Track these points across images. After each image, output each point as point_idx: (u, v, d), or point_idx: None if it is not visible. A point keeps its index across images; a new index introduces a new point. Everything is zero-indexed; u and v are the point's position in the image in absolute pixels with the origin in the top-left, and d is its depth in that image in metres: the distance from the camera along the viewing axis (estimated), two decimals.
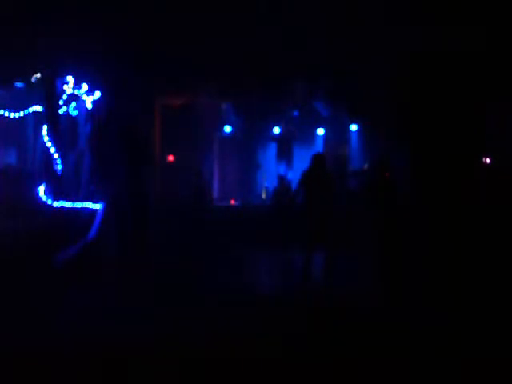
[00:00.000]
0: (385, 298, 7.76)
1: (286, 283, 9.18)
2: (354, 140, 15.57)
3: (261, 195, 15.21)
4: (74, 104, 10.10)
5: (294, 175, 14.52)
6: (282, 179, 13.66)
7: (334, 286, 8.25)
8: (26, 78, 9.92)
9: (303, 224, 8.57)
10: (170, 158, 14.85)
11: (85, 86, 9.84)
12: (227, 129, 15.48)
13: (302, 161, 14.62)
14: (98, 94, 9.91)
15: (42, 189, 9.20)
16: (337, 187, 9.40)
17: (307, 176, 8.52)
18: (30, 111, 10.40)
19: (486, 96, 12.44)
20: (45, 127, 9.37)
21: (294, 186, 14.20)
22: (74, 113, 10.17)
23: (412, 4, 11.96)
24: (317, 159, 8.58)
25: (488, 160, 13.63)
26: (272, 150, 15.12)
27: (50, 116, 9.44)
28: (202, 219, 12.12)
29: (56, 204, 9.17)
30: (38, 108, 10.18)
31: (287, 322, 6.72)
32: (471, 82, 12.18)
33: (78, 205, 9.34)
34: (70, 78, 9.66)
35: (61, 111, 9.76)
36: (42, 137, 9.42)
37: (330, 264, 8.35)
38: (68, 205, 9.26)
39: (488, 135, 13.15)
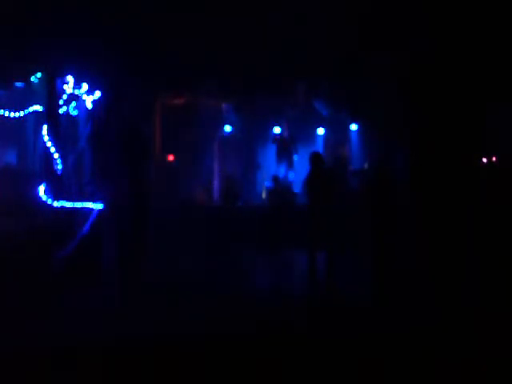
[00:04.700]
0: (382, 297, 7.77)
1: (288, 283, 9.19)
2: (354, 140, 15.55)
3: (261, 195, 15.20)
4: (74, 104, 10.10)
5: (296, 175, 14.51)
6: (276, 179, 13.68)
7: (336, 286, 8.26)
8: (25, 78, 9.92)
9: (306, 224, 8.59)
10: (170, 157, 14.84)
11: (85, 86, 9.84)
12: (227, 129, 15.47)
13: (302, 161, 14.62)
14: (98, 94, 9.91)
15: (42, 189, 9.19)
16: (337, 187, 9.42)
17: (309, 176, 8.55)
18: (30, 111, 10.39)
19: (486, 96, 12.45)
20: (45, 127, 9.37)
21: (294, 186, 14.26)
22: (74, 113, 10.18)
23: (412, 4, 11.96)
24: (314, 159, 8.59)
25: (488, 160, 13.63)
26: (272, 149, 15.10)
27: (50, 116, 9.43)
28: (202, 219, 12.14)
29: (56, 204, 9.16)
30: (38, 108, 10.18)
31: (288, 321, 6.73)
32: (471, 82, 12.18)
33: (78, 205, 9.33)
34: (70, 78, 9.66)
35: (61, 111, 9.76)
36: (41, 137, 9.41)
37: (332, 264, 8.36)
38: (68, 205, 9.25)
39: (488, 135, 13.16)
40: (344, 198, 10.26)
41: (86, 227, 9.15)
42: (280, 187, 13.48)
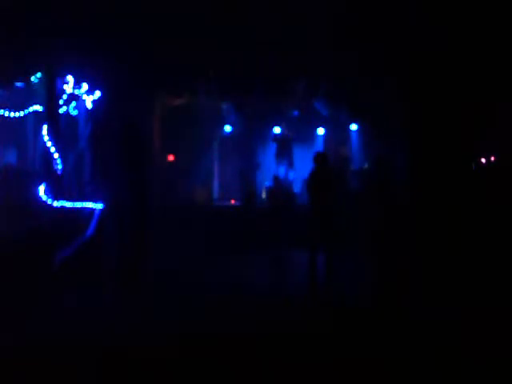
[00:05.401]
0: (383, 297, 7.77)
1: (288, 282, 9.19)
2: (354, 140, 15.56)
3: (261, 195, 15.21)
4: (74, 103, 10.10)
5: (296, 175, 14.52)
6: (276, 179, 13.70)
7: (335, 286, 8.26)
8: (25, 78, 9.92)
9: (306, 223, 8.59)
10: (170, 157, 14.84)
11: (85, 86, 9.83)
12: (227, 129, 15.48)
13: (302, 161, 14.63)
14: (98, 94, 9.91)
15: (42, 189, 9.19)
16: (337, 187, 9.41)
17: (311, 176, 8.55)
18: (30, 111, 10.39)
19: (486, 96, 12.45)
20: (45, 127, 9.36)
21: (294, 186, 14.26)
22: (74, 112, 10.17)
23: (412, 3, 11.96)
24: (318, 158, 8.59)
25: (487, 160, 13.64)
26: (272, 149, 15.13)
27: (50, 116, 9.42)
28: (202, 219, 12.15)
29: (56, 204, 9.15)
30: (38, 108, 10.18)
31: (289, 321, 6.73)
32: (471, 82, 12.18)
33: (78, 205, 9.33)
34: (70, 78, 9.66)
35: (61, 111, 9.76)
36: (42, 137, 9.41)
37: (331, 264, 8.35)
38: (68, 205, 9.25)
39: (488, 135, 13.17)
40: (344, 197, 10.26)
41: (90, 230, 9.15)
42: (280, 187, 13.48)
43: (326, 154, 9.10)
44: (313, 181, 8.56)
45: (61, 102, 9.69)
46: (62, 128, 9.65)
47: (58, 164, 9.36)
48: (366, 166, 14.05)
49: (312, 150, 14.87)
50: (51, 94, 9.47)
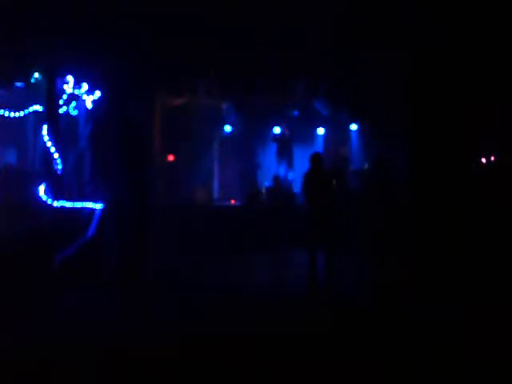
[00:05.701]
0: (382, 297, 7.77)
1: (288, 282, 9.19)
2: (354, 140, 15.56)
3: (261, 195, 15.20)
4: (74, 104, 10.11)
5: (296, 175, 14.52)
6: (277, 179, 13.70)
7: (335, 286, 8.26)
8: (26, 78, 9.93)
9: (305, 224, 8.59)
10: (170, 157, 14.85)
11: (85, 86, 9.84)
12: (227, 129, 15.49)
13: (302, 161, 14.63)
14: (98, 94, 9.91)
15: (42, 189, 9.20)
16: (337, 187, 9.42)
17: (308, 177, 8.55)
18: (30, 111, 10.40)
19: (486, 96, 12.45)
20: (45, 127, 9.37)
21: (294, 186, 14.26)
22: (74, 112, 10.18)
23: (412, 3, 11.97)
24: (314, 159, 8.59)
25: (488, 160, 13.64)
26: (272, 149, 15.14)
27: (50, 116, 9.44)
28: (202, 219, 12.15)
29: (56, 204, 9.16)
30: (38, 108, 10.19)
31: (289, 321, 6.72)
32: (471, 82, 12.19)
33: (78, 205, 9.34)
34: (70, 78, 9.67)
35: (61, 111, 9.77)
36: (42, 137, 9.42)
37: (331, 264, 8.35)
38: (68, 205, 9.26)
39: (488, 135, 13.17)
40: (344, 197, 10.26)
41: (90, 230, 9.15)
42: (280, 187, 13.48)
43: (320, 153, 9.10)
44: (309, 181, 8.56)
45: (61, 102, 9.70)
46: (62, 128, 9.66)
47: (58, 164, 9.37)
48: (366, 166, 14.05)
49: (312, 150, 14.89)
50: (51, 94, 9.48)
